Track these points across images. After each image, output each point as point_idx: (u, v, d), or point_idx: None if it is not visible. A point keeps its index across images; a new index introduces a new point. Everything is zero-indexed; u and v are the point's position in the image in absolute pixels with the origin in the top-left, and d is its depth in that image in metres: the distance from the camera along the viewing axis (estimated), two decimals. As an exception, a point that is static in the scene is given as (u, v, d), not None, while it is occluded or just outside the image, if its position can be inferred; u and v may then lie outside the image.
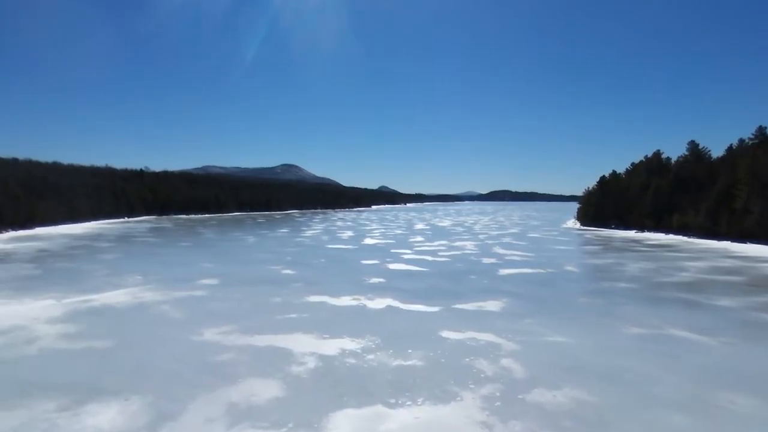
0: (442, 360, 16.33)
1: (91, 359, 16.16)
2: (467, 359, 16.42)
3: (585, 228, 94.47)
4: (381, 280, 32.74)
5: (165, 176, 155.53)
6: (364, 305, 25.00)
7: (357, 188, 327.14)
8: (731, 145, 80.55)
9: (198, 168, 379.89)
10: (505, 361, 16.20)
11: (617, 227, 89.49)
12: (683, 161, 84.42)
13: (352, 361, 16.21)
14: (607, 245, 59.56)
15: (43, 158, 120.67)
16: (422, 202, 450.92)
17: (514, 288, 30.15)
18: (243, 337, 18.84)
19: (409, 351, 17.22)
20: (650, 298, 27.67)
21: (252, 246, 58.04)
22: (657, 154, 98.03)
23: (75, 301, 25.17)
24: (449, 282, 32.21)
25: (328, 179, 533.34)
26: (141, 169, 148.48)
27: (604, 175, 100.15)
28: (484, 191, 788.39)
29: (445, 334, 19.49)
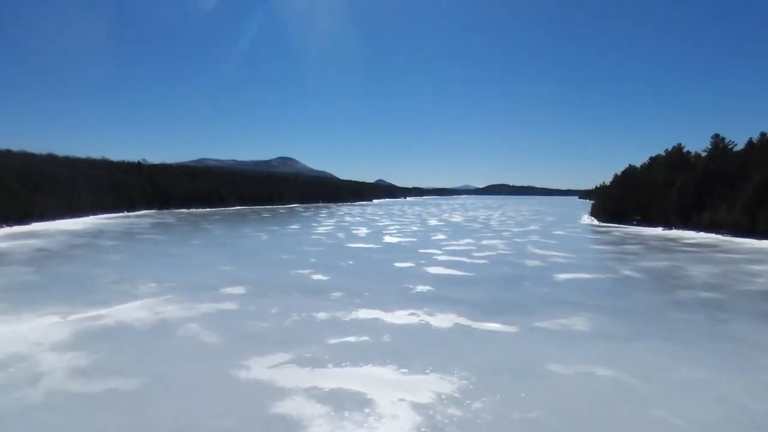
0: (575, 411, 12.55)
1: (115, 411, 12.30)
2: (604, 409, 12.67)
3: (605, 225, 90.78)
4: (428, 288, 28.94)
5: (164, 169, 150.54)
6: (427, 323, 21.21)
7: (357, 182, 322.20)
8: (751, 139, 77.30)
9: (194, 161, 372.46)
10: (658, 413, 12.45)
11: (640, 224, 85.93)
12: (710, 155, 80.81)
13: (458, 413, 12.41)
14: (646, 245, 55.90)
15: (37, 150, 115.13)
16: (421, 195, 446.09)
17: (584, 299, 26.45)
18: (301, 373, 15.00)
19: (522, 395, 13.45)
20: (754, 312, 23.90)
21: (267, 244, 53.98)
22: (678, 148, 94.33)
23: (84, 317, 21.27)
24: (507, 291, 28.46)
25: (325, 172, 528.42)
26: (139, 161, 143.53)
27: (626, 169, 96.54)
28: (481, 185, 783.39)
29: (552, 367, 15.70)
